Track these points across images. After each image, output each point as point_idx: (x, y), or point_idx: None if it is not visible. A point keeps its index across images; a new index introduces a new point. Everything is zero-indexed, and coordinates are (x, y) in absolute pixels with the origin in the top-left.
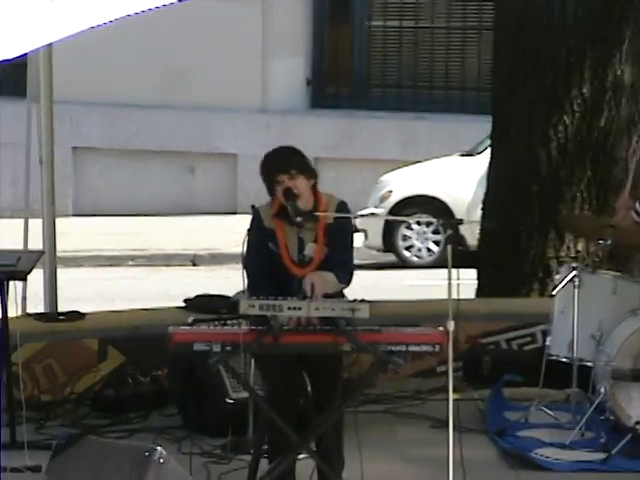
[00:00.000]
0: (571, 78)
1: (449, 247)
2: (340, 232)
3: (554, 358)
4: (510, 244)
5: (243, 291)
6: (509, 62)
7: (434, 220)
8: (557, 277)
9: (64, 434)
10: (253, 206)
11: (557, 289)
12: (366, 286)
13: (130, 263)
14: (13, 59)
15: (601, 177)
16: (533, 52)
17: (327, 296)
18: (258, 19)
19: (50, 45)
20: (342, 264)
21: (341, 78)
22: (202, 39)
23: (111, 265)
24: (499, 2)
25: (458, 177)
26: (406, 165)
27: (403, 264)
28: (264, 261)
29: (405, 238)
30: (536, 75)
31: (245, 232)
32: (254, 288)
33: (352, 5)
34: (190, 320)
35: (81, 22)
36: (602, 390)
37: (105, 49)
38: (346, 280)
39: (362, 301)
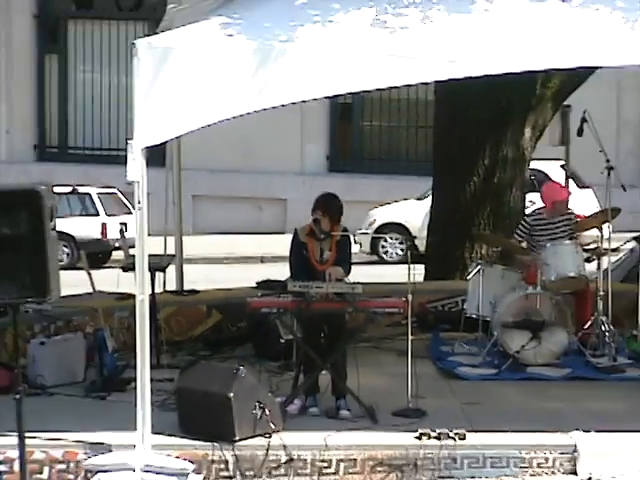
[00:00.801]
0: (478, 155)
1: (409, 252)
2: (344, 244)
3: (468, 315)
4: (444, 250)
5: (289, 278)
6: (443, 149)
7: (400, 236)
8: (470, 269)
9: (187, 360)
10: (295, 229)
11: (470, 275)
12: (360, 275)
13: (225, 262)
14: (159, 145)
15: (494, 212)
16: (456, 139)
17: (337, 280)
18: (298, 120)
19: None
20: (345, 263)
21: (346, 154)
22: (269, 128)
23: (213, 263)
24: (438, 107)
25: (414, 211)
26: (384, 205)
27: (382, 262)
28: (300, 261)
29: (383, 246)
30: (457, 151)
31: (290, 243)
32: (295, 276)
33: (352, 111)
34: (259, 294)
35: (209, 116)
36: (496, 333)
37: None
38: (347, 272)
39: (358, 283)
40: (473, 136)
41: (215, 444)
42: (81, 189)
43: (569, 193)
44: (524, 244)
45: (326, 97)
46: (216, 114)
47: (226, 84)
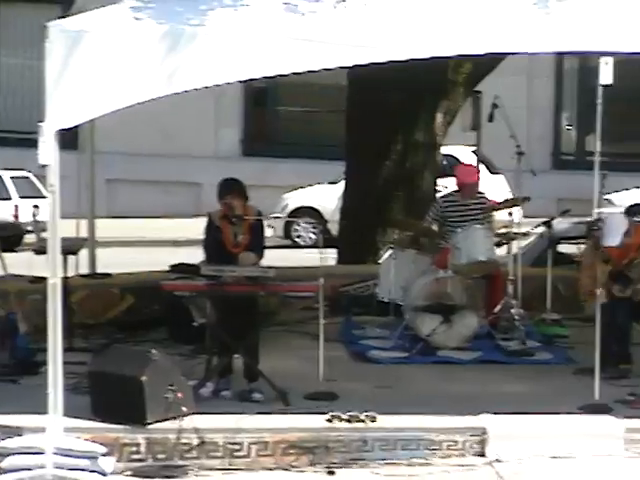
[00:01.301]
0: (390, 140)
1: (321, 236)
2: (258, 228)
3: (380, 299)
4: (356, 234)
5: (203, 261)
6: (356, 133)
7: (313, 220)
8: (382, 253)
9: (100, 343)
10: (209, 213)
11: (382, 260)
12: (273, 259)
13: (139, 245)
14: (71, 128)
15: (407, 196)
16: (368, 124)
17: (251, 265)
18: (213, 104)
19: None
20: (259, 247)
21: (260, 139)
22: (184, 112)
23: (127, 246)
24: (351, 91)
25: (327, 196)
26: (297, 189)
27: (295, 246)
28: (214, 244)
29: (296, 231)
30: (370, 136)
31: (204, 227)
32: (209, 260)
33: (266, 95)
34: (173, 277)
35: (119, 101)
36: (407, 317)
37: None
38: (261, 256)
39: (271, 267)
40: (385, 121)
41: (127, 427)
42: None
43: (479, 174)
44: (435, 228)
45: (237, 81)
46: (126, 98)
47: (136, 68)
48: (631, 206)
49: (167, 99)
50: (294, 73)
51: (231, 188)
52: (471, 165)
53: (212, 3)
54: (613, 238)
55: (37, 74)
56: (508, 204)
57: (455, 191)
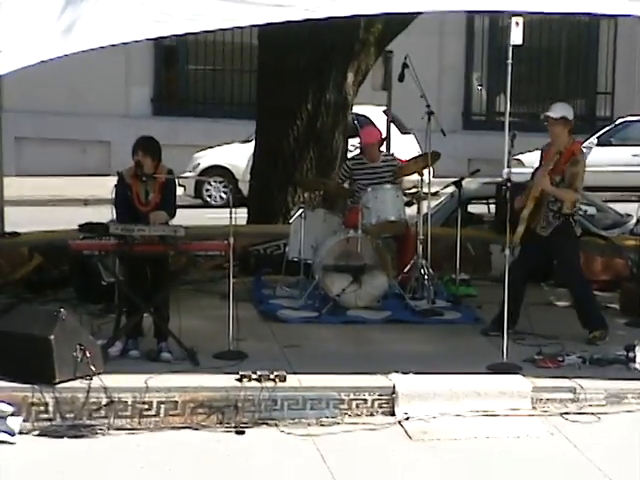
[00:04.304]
0: (301, 99)
1: (231, 195)
2: (168, 187)
3: (290, 259)
4: (266, 194)
5: (113, 220)
6: (266, 93)
7: (224, 180)
8: (292, 213)
9: (7, 303)
10: (118, 171)
11: (292, 219)
12: (183, 218)
13: (49, 204)
14: None
15: (318, 156)
16: (279, 84)
17: (161, 224)
18: (123, 62)
19: None
20: (169, 205)
21: (171, 98)
22: (94, 70)
23: (37, 205)
24: (262, 51)
25: (238, 155)
26: (208, 148)
27: (206, 205)
28: (124, 203)
29: (207, 190)
30: (281, 96)
31: (114, 186)
32: (119, 218)
33: (177, 54)
34: (81, 236)
35: (18, 61)
36: (317, 277)
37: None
38: (172, 215)
39: (181, 226)
40: (296, 81)
41: (35, 386)
42: None
43: (381, 136)
44: (346, 186)
45: (139, 41)
46: (25, 59)
47: (34, 27)
48: None
49: (76, 56)
50: (205, 31)
51: (143, 146)
52: (373, 126)
53: None
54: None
55: None
56: (419, 163)
57: (362, 152)
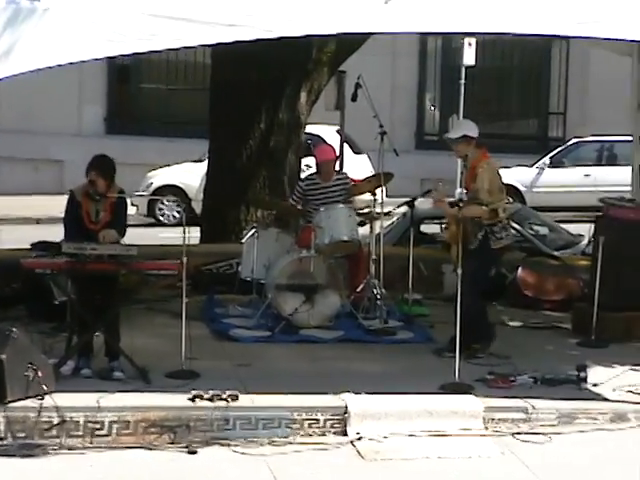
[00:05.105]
0: (254, 118)
1: (184, 214)
2: (119, 206)
3: (243, 278)
4: (219, 213)
5: (65, 239)
6: (219, 112)
7: (177, 199)
8: (245, 232)
9: None
10: (70, 190)
11: (245, 238)
12: (135, 237)
13: (0, 223)
14: None
15: (270, 176)
16: (232, 103)
17: (112, 243)
18: (76, 80)
19: None
20: (120, 224)
21: (124, 116)
22: (47, 89)
23: None
24: (215, 69)
25: (191, 174)
26: (161, 167)
27: (159, 224)
28: (75, 221)
29: (160, 209)
30: (233, 115)
31: (66, 203)
32: (69, 237)
33: (130, 73)
34: (33, 255)
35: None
36: (270, 296)
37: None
38: (122, 234)
39: (133, 245)
40: (249, 99)
41: None
42: None
43: (336, 154)
44: (299, 207)
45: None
46: None
47: None
48: None
49: (29, 75)
50: (158, 51)
51: (96, 165)
52: (327, 145)
53: None
54: None
55: None
56: (372, 183)
57: (317, 172)
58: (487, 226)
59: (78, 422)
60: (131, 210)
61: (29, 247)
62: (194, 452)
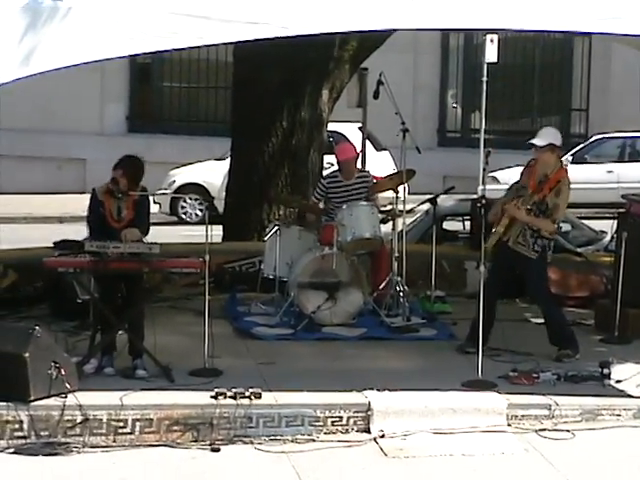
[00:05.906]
0: (276, 117)
1: (207, 212)
2: (143, 204)
3: (265, 276)
4: (242, 211)
5: (88, 238)
6: (241, 110)
7: (199, 197)
8: (267, 230)
9: None
10: (93, 188)
11: (267, 236)
12: (158, 236)
13: (24, 222)
14: None
15: (292, 174)
16: (254, 101)
17: (135, 241)
18: (98, 79)
19: None
20: (143, 223)
21: (145, 115)
22: (69, 88)
23: (12, 223)
24: (237, 68)
25: (213, 172)
26: (183, 165)
27: (181, 222)
28: (98, 220)
29: (183, 207)
30: (256, 113)
31: (89, 202)
32: (93, 235)
33: (151, 71)
34: (56, 254)
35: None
36: (292, 294)
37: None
38: (146, 232)
39: (156, 243)
40: (271, 98)
41: (9, 404)
42: None
43: (357, 153)
44: (321, 205)
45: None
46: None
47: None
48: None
49: (52, 74)
50: (179, 49)
51: (123, 165)
52: (349, 142)
53: None
54: None
55: None
56: (394, 181)
57: (339, 170)
58: (547, 239)
59: (101, 420)
60: (154, 208)
61: (52, 246)
62: (217, 450)
